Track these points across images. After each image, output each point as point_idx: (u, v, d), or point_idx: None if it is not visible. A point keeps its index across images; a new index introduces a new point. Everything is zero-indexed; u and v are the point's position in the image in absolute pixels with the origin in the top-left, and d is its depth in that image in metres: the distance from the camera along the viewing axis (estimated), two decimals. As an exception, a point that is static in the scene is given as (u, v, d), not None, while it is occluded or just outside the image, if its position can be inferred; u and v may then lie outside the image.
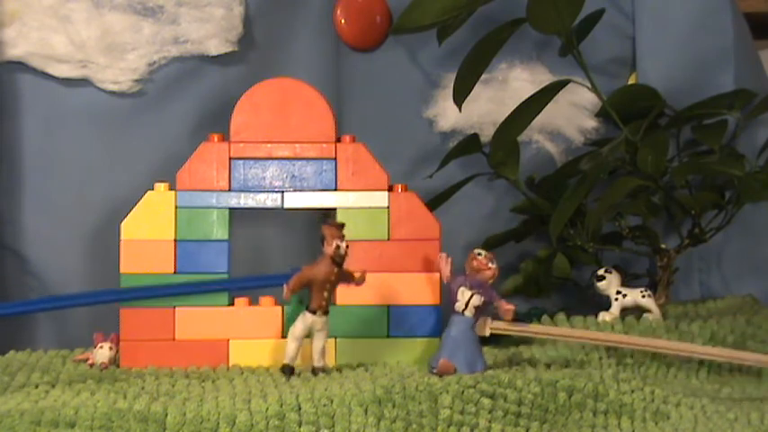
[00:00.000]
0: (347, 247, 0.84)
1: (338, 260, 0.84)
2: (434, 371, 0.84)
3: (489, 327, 0.87)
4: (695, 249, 1.09)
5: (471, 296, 0.84)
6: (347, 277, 0.87)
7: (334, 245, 0.84)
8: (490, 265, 0.85)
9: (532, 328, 0.89)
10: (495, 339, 1.04)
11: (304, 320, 0.85)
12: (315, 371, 0.85)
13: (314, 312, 0.85)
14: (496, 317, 0.86)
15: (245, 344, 0.90)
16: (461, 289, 0.85)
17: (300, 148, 0.92)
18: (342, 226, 0.85)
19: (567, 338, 0.88)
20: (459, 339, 0.84)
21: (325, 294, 0.85)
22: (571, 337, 0.88)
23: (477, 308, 0.85)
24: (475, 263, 0.85)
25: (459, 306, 0.85)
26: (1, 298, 1.03)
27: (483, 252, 0.86)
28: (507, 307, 0.84)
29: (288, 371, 0.84)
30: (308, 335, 0.86)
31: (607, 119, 1.13)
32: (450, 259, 0.87)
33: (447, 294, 0.86)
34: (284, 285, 0.84)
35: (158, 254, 0.90)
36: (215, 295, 0.90)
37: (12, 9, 1.01)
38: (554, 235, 0.99)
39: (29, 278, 1.04)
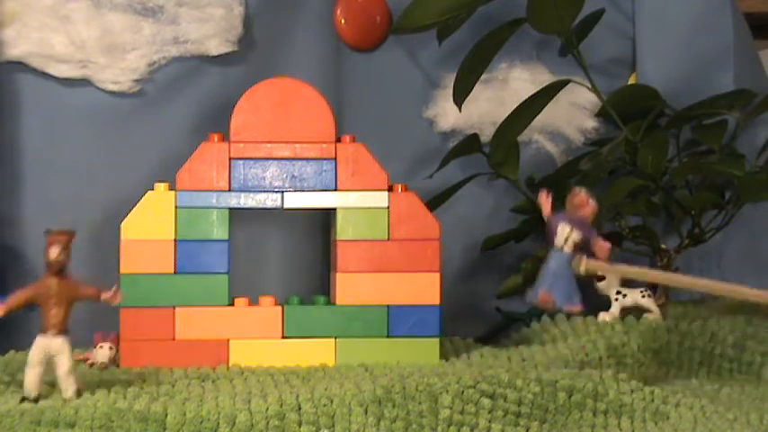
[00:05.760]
0: (59, 253, 0.75)
1: (54, 268, 0.75)
2: (534, 302, 0.83)
3: (585, 264, 0.85)
4: (695, 249, 1.09)
5: (570, 232, 0.83)
6: (84, 292, 0.77)
7: (48, 251, 0.75)
8: (590, 201, 0.84)
9: (624, 269, 0.87)
10: (495, 339, 1.04)
11: (37, 344, 0.75)
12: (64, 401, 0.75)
13: (44, 333, 0.76)
14: (592, 256, 0.84)
15: (245, 344, 0.90)
16: (561, 225, 0.83)
17: (300, 148, 0.92)
18: (66, 232, 0.75)
19: (655, 278, 0.88)
20: (557, 273, 0.83)
21: (54, 311, 0.75)
22: (659, 277, 0.88)
23: (575, 244, 0.83)
24: (576, 200, 0.83)
25: (559, 242, 0.83)
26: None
27: (583, 189, 0.84)
28: (604, 245, 0.83)
29: (32, 402, 0.74)
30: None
31: (607, 119, 1.13)
32: (551, 194, 0.84)
33: (547, 231, 0.83)
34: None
35: (158, 254, 0.90)
36: (215, 295, 0.90)
37: (12, 9, 1.01)
38: (554, 235, 0.99)
39: (29, 278, 1.04)
